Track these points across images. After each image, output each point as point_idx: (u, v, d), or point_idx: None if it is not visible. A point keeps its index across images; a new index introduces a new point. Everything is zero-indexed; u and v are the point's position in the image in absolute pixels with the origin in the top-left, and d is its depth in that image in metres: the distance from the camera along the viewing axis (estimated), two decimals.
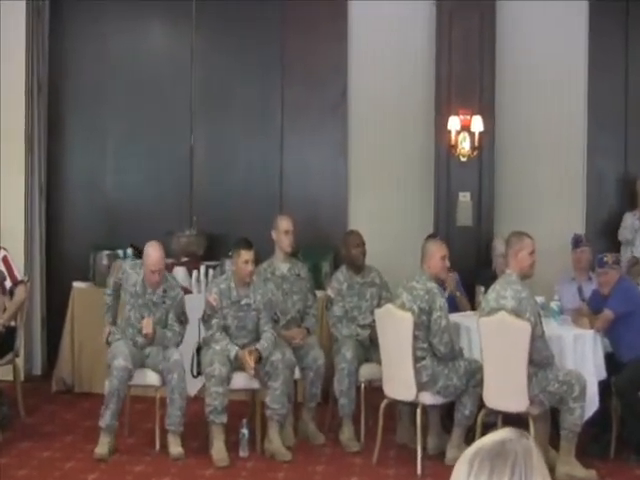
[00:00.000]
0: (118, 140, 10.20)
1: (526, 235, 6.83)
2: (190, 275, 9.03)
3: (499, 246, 8.31)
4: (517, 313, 6.47)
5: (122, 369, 7.07)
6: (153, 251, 7.29)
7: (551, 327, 7.11)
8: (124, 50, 10.16)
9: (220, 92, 10.03)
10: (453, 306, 7.95)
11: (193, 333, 7.72)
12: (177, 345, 7.37)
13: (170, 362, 7.18)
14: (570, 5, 9.63)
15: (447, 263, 7.12)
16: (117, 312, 7.59)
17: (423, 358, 6.87)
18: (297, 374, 7.58)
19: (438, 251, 7.07)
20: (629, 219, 9.18)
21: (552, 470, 6.52)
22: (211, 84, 10.07)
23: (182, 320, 7.43)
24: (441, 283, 7.17)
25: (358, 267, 7.92)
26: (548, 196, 9.66)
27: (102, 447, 7.05)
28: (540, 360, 6.53)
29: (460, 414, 6.96)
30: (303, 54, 9.89)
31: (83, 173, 10.20)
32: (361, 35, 9.83)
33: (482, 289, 7.78)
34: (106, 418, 7.07)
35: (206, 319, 7.36)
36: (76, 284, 9.20)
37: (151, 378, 7.35)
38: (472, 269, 8.93)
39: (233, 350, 7.16)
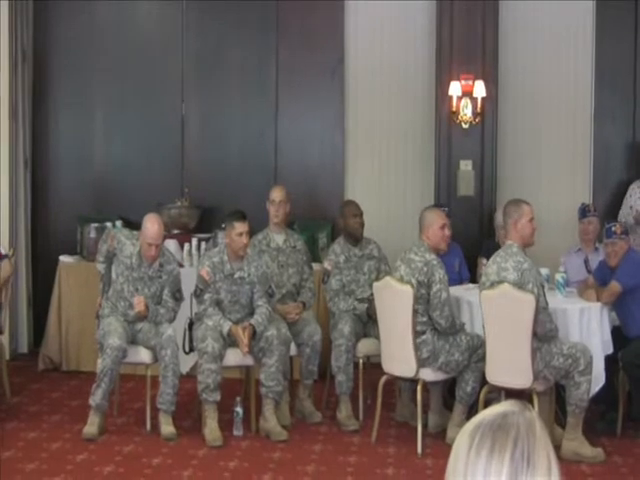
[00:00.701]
0: (106, 110, 9.93)
1: (523, 202, 6.63)
2: (182, 248, 8.82)
3: (501, 217, 8.07)
4: (519, 285, 6.24)
5: (116, 348, 6.88)
6: (152, 224, 7.03)
7: (556, 300, 6.95)
8: (111, 16, 9.88)
9: (213, 58, 9.78)
10: (456, 279, 7.75)
11: (185, 308, 7.56)
12: (170, 321, 7.18)
13: (163, 338, 6.98)
14: None
15: (447, 232, 6.87)
16: (110, 282, 7.32)
17: (423, 333, 6.67)
18: (293, 350, 7.42)
19: (437, 220, 6.82)
20: (634, 192, 8.84)
21: (558, 448, 6.39)
22: (203, 50, 9.81)
23: (177, 297, 7.24)
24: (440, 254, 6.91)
25: (356, 238, 7.73)
26: (553, 164, 9.44)
27: (91, 426, 6.89)
28: (544, 333, 6.33)
29: (462, 391, 6.80)
30: (299, 16, 9.61)
31: (70, 144, 9.95)
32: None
33: (485, 261, 7.55)
34: (96, 397, 6.89)
35: (198, 294, 7.17)
36: (63, 258, 9.00)
37: (142, 355, 7.15)
38: (475, 240, 8.75)
39: (226, 325, 6.99)
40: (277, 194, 7.74)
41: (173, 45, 9.77)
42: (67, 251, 9.12)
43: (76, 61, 9.87)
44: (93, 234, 8.85)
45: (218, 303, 7.14)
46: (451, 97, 8.94)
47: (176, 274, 7.26)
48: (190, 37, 9.77)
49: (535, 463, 1.69)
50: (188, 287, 7.34)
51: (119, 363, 6.95)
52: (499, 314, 6.35)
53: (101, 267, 7.35)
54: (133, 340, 7.12)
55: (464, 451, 1.73)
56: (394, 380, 7.12)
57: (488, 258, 6.99)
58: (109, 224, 8.83)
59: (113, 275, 7.25)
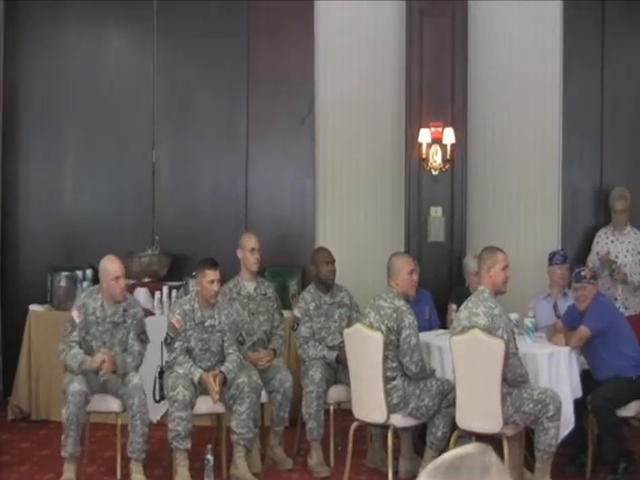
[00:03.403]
0: (76, 157, 9.92)
1: (499, 250, 6.65)
2: (152, 296, 8.78)
3: (471, 264, 8.14)
4: (490, 330, 6.26)
5: (77, 393, 6.82)
6: (111, 262, 7.09)
7: (525, 345, 6.96)
8: (82, 63, 9.92)
9: (183, 106, 9.83)
10: (426, 326, 7.78)
11: (155, 356, 7.51)
12: (138, 366, 7.14)
13: (129, 387, 6.94)
14: (545, 5, 9.41)
15: (415, 278, 6.91)
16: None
17: (393, 378, 6.67)
18: (264, 397, 7.39)
19: (405, 266, 6.85)
20: (601, 239, 8.92)
21: None
22: (174, 98, 9.85)
23: (142, 339, 7.20)
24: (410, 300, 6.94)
25: (327, 286, 7.75)
26: (522, 210, 9.49)
27: (69, 474, 6.85)
28: (514, 378, 6.34)
29: (432, 436, 6.78)
30: (270, 63, 9.68)
31: (40, 191, 9.93)
32: (329, 46, 9.64)
33: (454, 307, 7.59)
34: (68, 447, 6.84)
35: (169, 342, 7.15)
36: (33, 307, 8.92)
37: (111, 404, 7.11)
38: (445, 286, 8.74)
39: (197, 373, 6.97)
40: (255, 241, 7.72)
41: (143, 92, 9.80)
42: (37, 300, 9.05)
43: (46, 108, 9.88)
44: (63, 283, 8.80)
45: (189, 351, 7.12)
46: (421, 144, 9.00)
47: (140, 317, 7.23)
48: (160, 84, 9.81)
49: None
50: (159, 335, 7.33)
51: (82, 408, 6.88)
52: (469, 359, 6.36)
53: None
54: (102, 389, 7.07)
55: None
56: (365, 426, 7.09)
57: (458, 304, 7.02)
58: (79, 273, 8.80)
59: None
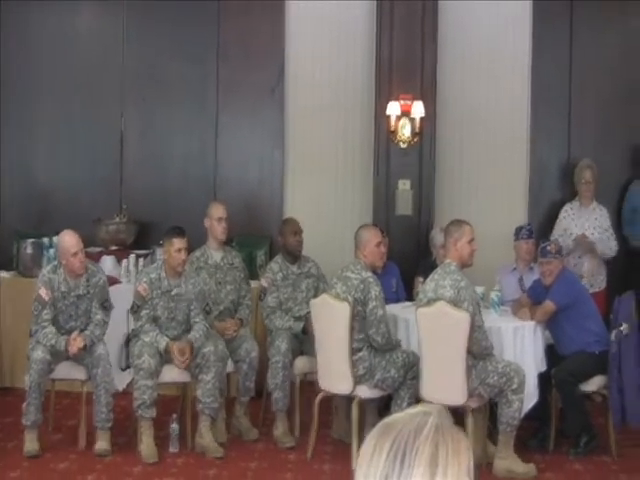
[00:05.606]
0: (45, 125, 9.85)
1: (465, 223, 6.67)
2: (119, 264, 8.75)
3: (438, 237, 8.16)
4: (455, 303, 6.29)
5: (40, 361, 6.81)
6: (69, 236, 7.02)
7: (491, 318, 7.01)
8: (51, 31, 9.83)
9: (153, 74, 9.76)
10: (393, 298, 7.81)
11: (122, 325, 7.49)
12: (103, 335, 7.10)
13: (94, 357, 6.93)
14: None
15: (383, 250, 6.92)
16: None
17: (360, 350, 6.69)
18: (230, 367, 7.40)
19: (373, 238, 6.86)
20: (567, 215, 8.94)
21: (491, 465, 6.44)
22: (143, 65, 9.78)
23: (106, 306, 7.15)
24: (377, 272, 6.95)
25: (295, 256, 7.75)
26: (490, 183, 9.54)
27: (31, 443, 6.83)
28: (479, 351, 6.39)
29: (398, 407, 6.79)
30: (240, 32, 9.62)
31: (8, 159, 9.84)
32: (300, 16, 9.61)
33: (421, 279, 7.61)
34: (30, 415, 6.82)
35: (135, 310, 7.14)
36: None
37: (76, 372, 7.09)
38: (412, 259, 8.77)
39: (163, 342, 6.98)
40: (223, 211, 7.69)
41: (112, 60, 9.73)
42: (3, 266, 9.01)
43: (16, 77, 9.78)
44: (30, 250, 8.75)
45: (155, 319, 7.11)
46: (390, 117, 9.00)
47: (102, 284, 7.17)
48: (130, 53, 9.73)
49: (412, 465, 1.66)
50: (125, 303, 7.30)
51: (45, 376, 6.88)
52: (435, 331, 6.40)
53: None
54: (68, 357, 7.05)
55: (367, 454, 1.72)
56: (330, 397, 7.13)
57: (425, 277, 7.04)
58: (46, 240, 8.75)
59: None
